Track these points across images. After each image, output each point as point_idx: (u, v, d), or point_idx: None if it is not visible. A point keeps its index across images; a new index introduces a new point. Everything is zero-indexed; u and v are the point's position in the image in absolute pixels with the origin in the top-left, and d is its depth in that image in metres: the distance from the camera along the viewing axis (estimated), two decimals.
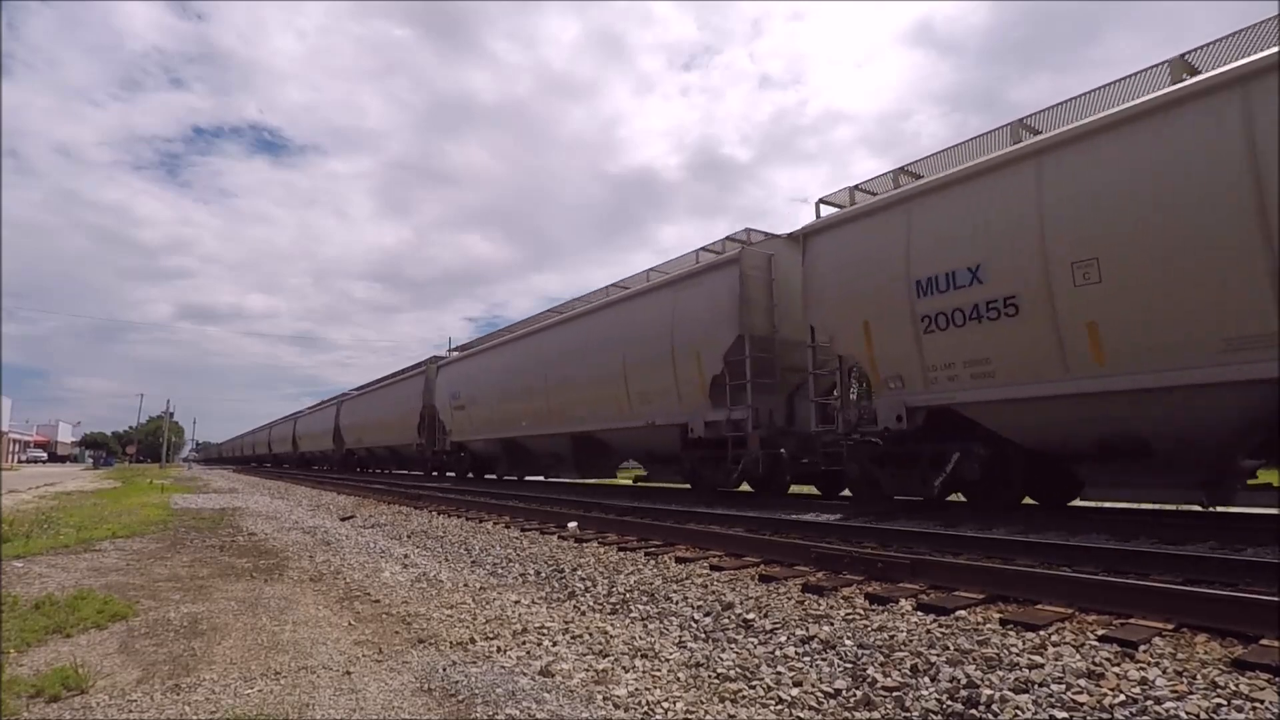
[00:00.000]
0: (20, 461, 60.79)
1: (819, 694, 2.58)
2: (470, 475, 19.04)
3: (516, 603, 4.27)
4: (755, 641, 3.22)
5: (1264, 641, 2.72)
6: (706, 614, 3.72)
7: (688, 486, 11.17)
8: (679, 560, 5.26)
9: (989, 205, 6.53)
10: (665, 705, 2.54)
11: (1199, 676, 2.43)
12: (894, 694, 2.52)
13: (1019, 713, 2.27)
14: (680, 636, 3.41)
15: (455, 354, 20.22)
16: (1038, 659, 2.67)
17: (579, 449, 13.46)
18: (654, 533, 6.54)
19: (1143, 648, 2.76)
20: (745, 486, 10.68)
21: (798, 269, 8.74)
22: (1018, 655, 2.73)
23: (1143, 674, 2.46)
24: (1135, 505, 7.24)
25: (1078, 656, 2.68)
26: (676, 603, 3.99)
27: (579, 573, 4.96)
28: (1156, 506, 7.01)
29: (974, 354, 6.69)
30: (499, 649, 3.28)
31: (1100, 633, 2.96)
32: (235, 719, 2.49)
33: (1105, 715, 2.21)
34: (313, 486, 19.41)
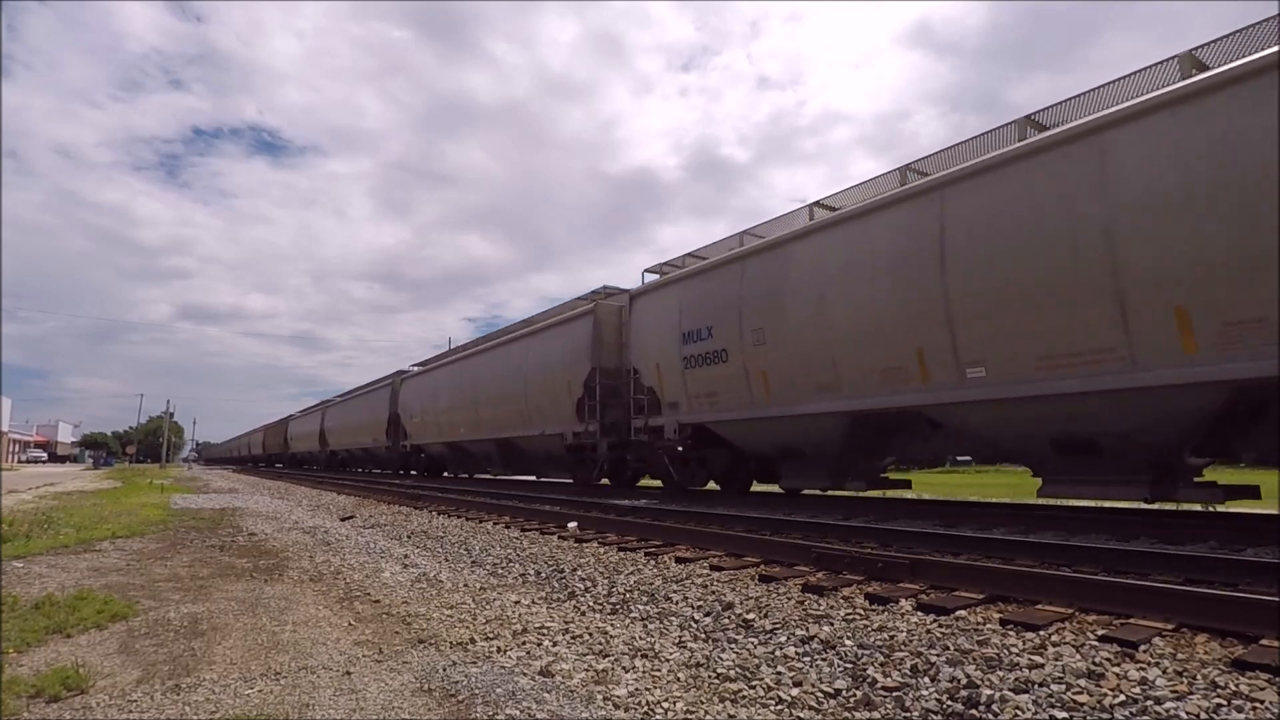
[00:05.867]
0: (20, 461, 60.78)
1: (819, 694, 2.58)
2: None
3: (516, 603, 4.27)
4: (755, 641, 3.22)
5: (1264, 641, 2.72)
6: (706, 614, 3.72)
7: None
8: (679, 560, 5.26)
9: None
10: (665, 705, 2.54)
11: (1199, 676, 2.43)
12: (894, 694, 2.52)
13: (1019, 713, 2.27)
14: (680, 636, 3.41)
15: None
16: (1038, 659, 2.67)
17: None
18: (654, 533, 6.54)
19: (1143, 648, 2.76)
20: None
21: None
22: (1018, 655, 2.73)
23: (1143, 674, 2.46)
24: (1136, 506, 7.30)
25: (1078, 656, 2.68)
26: (676, 603, 3.99)
27: (579, 573, 4.96)
28: (1156, 507, 7.16)
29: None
30: (499, 649, 3.28)
31: (1100, 633, 2.96)
32: (235, 719, 2.49)
33: (1105, 715, 2.21)
34: (312, 486, 19.42)
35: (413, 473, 23.10)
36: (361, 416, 26.76)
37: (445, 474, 21.92)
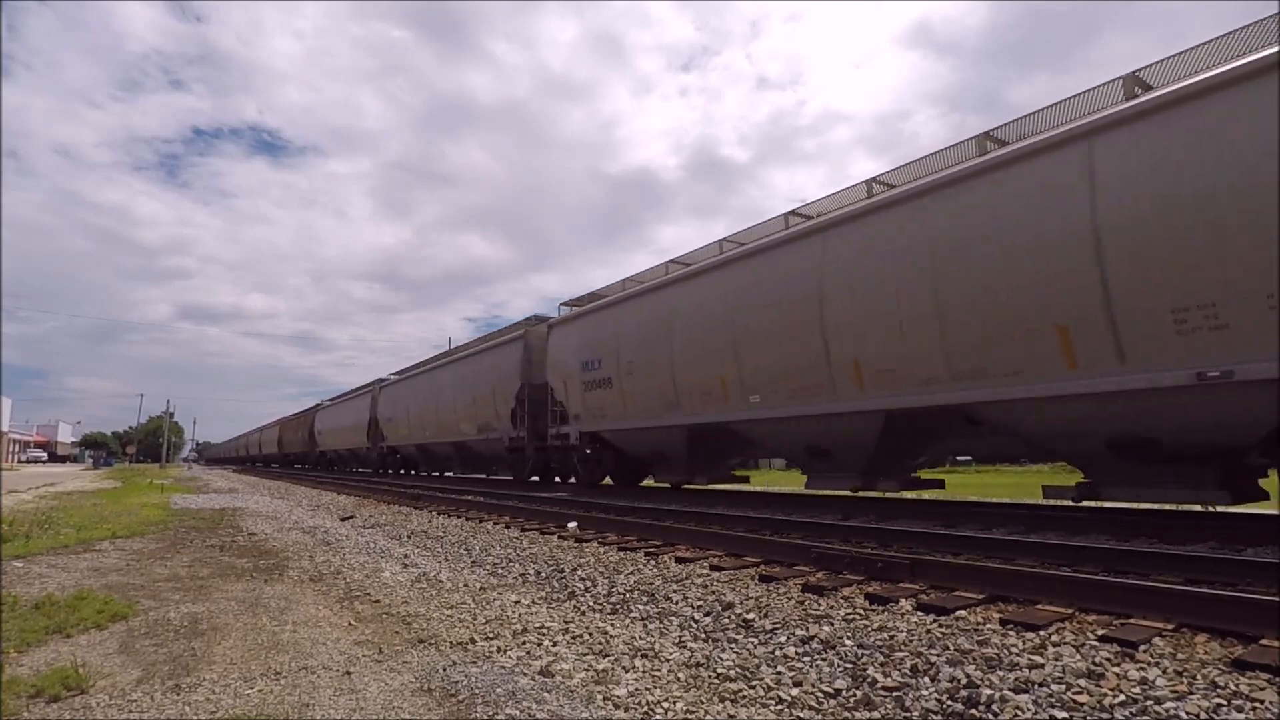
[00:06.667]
0: (20, 461, 60.81)
1: (819, 694, 2.58)
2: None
3: (516, 603, 4.27)
4: (755, 641, 3.22)
5: (1264, 641, 2.72)
6: (706, 614, 3.72)
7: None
8: (679, 560, 5.26)
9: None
10: (665, 705, 2.54)
11: (1199, 676, 2.43)
12: (894, 694, 2.52)
13: (1019, 713, 2.27)
14: (680, 636, 3.41)
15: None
16: (1038, 659, 2.67)
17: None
18: (654, 533, 6.54)
19: (1143, 648, 2.76)
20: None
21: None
22: (1018, 655, 2.73)
23: (1143, 674, 2.47)
24: (1136, 506, 7.28)
25: (1078, 656, 2.68)
26: (676, 603, 3.99)
27: (579, 573, 4.96)
28: (1156, 507, 7.10)
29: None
30: (499, 649, 3.28)
31: (1100, 633, 2.96)
32: (235, 719, 2.49)
33: (1105, 715, 2.21)
34: (312, 487, 19.42)
35: (564, 480, 14.60)
36: (454, 396, 18.09)
37: (647, 482, 12.85)
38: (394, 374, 25.31)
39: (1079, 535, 5.62)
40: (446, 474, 22.10)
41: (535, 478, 15.78)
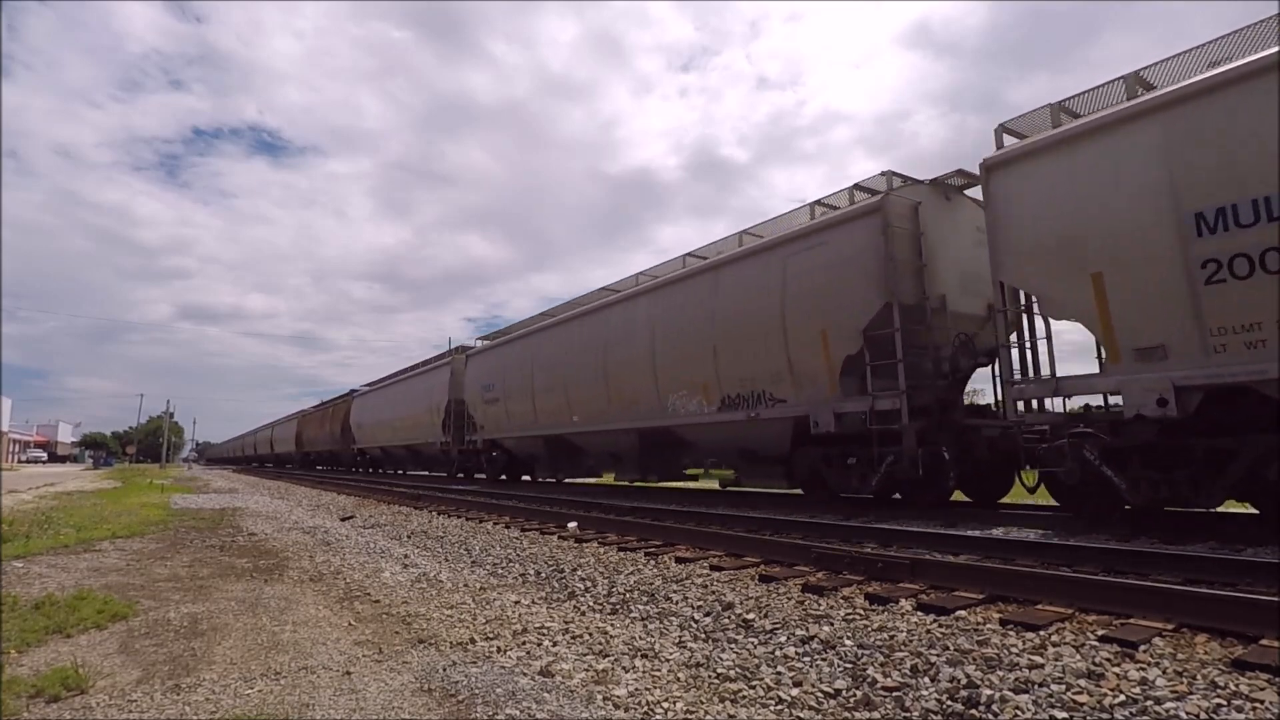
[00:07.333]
0: (20, 461, 60.82)
1: (819, 694, 2.58)
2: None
3: (516, 603, 4.27)
4: (755, 641, 3.22)
5: (1264, 641, 2.72)
6: (706, 614, 3.72)
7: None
8: (679, 560, 5.26)
9: None
10: (665, 705, 2.54)
11: (1199, 676, 2.43)
12: (894, 694, 2.52)
13: (1019, 713, 2.27)
14: (680, 636, 3.41)
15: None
16: (1038, 659, 2.67)
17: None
18: (654, 533, 6.54)
19: (1143, 648, 2.76)
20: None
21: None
22: (1018, 655, 2.73)
23: (1143, 674, 2.47)
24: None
25: (1078, 656, 2.68)
26: (676, 603, 3.99)
27: (579, 573, 4.96)
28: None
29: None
30: (499, 649, 3.28)
31: (1100, 633, 2.96)
32: (235, 719, 2.49)
33: (1105, 715, 2.21)
34: (312, 486, 19.42)
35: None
36: (668, 345, 10.36)
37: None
38: (482, 339, 17.92)
39: (1079, 535, 5.62)
40: (576, 480, 14.13)
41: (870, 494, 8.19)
